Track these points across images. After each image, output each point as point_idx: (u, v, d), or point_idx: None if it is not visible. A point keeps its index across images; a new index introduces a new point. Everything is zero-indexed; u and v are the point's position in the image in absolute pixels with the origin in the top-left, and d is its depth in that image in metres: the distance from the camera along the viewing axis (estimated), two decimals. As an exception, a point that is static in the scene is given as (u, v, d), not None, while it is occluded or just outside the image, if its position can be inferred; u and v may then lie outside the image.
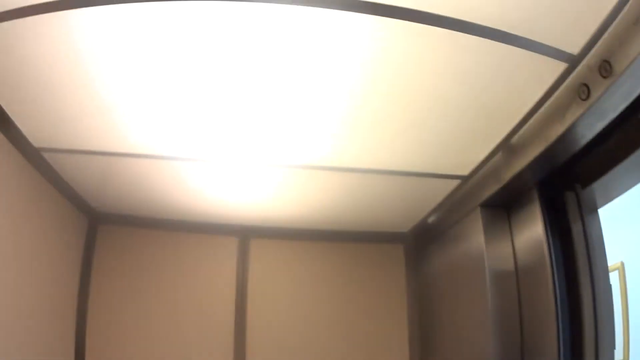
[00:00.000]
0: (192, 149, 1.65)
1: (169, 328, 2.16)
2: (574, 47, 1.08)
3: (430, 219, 2.18)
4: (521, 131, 1.42)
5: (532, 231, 1.56)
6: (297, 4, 1.00)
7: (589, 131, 1.22)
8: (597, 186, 1.37)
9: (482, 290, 1.66)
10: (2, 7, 1.03)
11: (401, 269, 2.35)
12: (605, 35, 1.03)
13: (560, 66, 1.14)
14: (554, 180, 1.47)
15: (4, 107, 1.42)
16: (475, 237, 1.78)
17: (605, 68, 1.04)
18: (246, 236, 2.33)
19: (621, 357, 2.06)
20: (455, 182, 1.84)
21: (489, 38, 1.06)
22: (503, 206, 1.73)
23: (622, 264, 2.15)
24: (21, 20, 1.06)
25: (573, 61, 1.12)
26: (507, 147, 1.53)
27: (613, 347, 1.33)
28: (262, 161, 1.71)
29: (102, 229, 2.28)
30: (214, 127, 1.51)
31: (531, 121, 1.36)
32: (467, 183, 1.82)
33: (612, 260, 1.46)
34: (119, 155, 1.69)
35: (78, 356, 2.07)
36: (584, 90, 1.12)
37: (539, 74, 1.18)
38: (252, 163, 1.72)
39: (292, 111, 1.40)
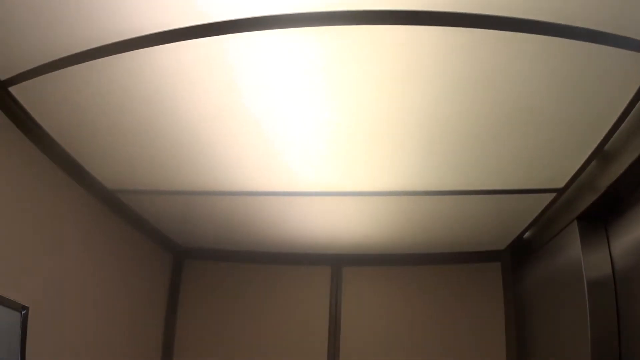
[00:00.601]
0: (283, 183, 1.73)
1: (265, 351, 2.25)
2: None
3: (526, 235, 2.15)
4: (615, 135, 1.38)
5: (631, 239, 1.51)
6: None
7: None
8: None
9: (580, 302, 1.62)
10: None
11: (498, 288, 2.31)
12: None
13: (653, 61, 1.08)
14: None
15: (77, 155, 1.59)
16: (572, 251, 1.74)
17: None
18: (339, 265, 2.40)
19: None
20: (550, 196, 1.81)
21: (576, 39, 1.03)
22: (600, 218, 1.69)
23: None
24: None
25: (666, 54, 1.06)
26: (601, 154, 1.49)
27: None
28: (356, 190, 1.77)
29: (188, 264, 2.43)
30: (309, 159, 1.57)
31: (625, 124, 1.32)
32: (562, 196, 1.79)
33: None
34: (201, 194, 1.81)
35: None
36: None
37: (631, 72, 1.13)
38: (346, 192, 1.79)
39: (385, 138, 1.44)
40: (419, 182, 1.69)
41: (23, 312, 1.42)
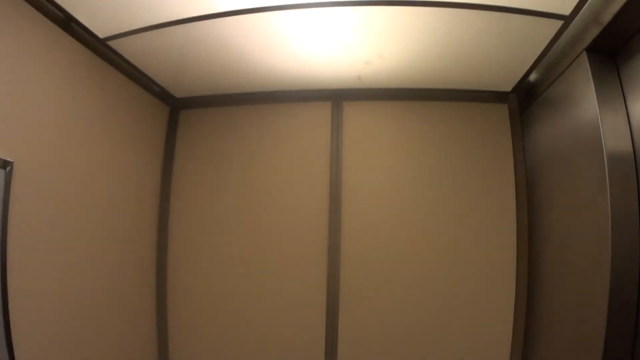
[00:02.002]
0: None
1: (263, 195, 2.22)
2: None
3: (533, 77, 1.88)
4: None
5: None
6: None
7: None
8: None
9: (596, 147, 1.46)
10: None
11: (506, 132, 2.12)
12: None
13: None
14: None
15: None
16: (584, 92, 1.52)
17: None
18: (339, 100, 2.24)
19: None
20: (557, 24, 1.56)
21: None
22: (609, 53, 1.46)
23: None
24: None
25: None
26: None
27: None
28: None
29: (185, 115, 2.34)
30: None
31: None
32: (568, 27, 1.55)
33: None
34: (192, 20, 1.65)
35: (161, 232, 2.24)
36: None
37: None
38: (346, 1, 1.55)
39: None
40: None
41: (7, 168, 1.41)
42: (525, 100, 2.08)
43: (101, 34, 1.75)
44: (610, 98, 1.43)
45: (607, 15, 1.31)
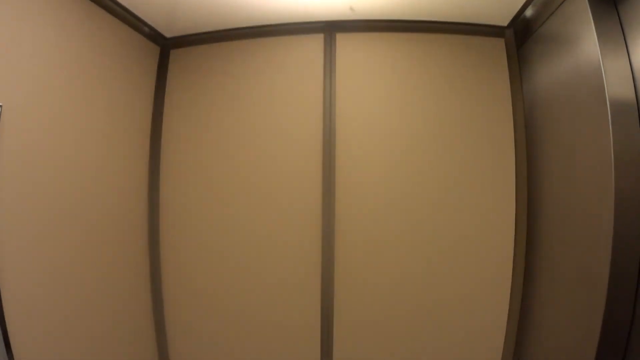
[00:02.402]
0: None
1: (255, 132, 2.21)
2: None
3: (530, 12, 1.82)
4: None
5: None
6: None
7: None
8: None
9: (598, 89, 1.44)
10: None
11: (503, 68, 2.08)
12: None
13: None
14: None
15: None
16: (583, 28, 1.48)
17: None
18: (331, 31, 2.18)
19: None
20: None
21: None
22: None
23: None
24: None
25: None
26: None
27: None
28: None
29: (175, 54, 2.29)
30: None
31: None
32: None
33: None
34: None
35: (153, 172, 2.25)
36: None
37: None
38: None
39: None
40: None
41: None
42: (522, 36, 2.02)
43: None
44: (611, 37, 1.39)
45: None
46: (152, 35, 2.22)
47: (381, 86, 2.14)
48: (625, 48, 1.38)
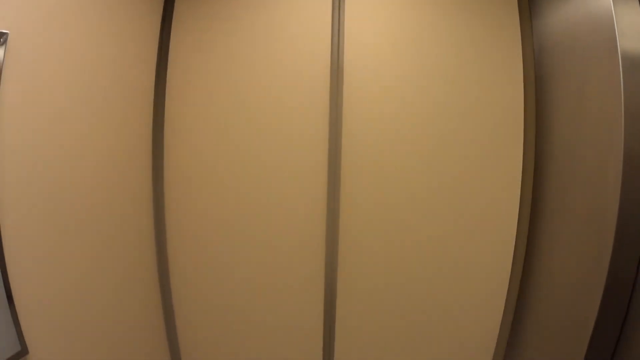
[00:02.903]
0: None
1: (262, 69, 2.11)
2: None
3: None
4: None
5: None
6: None
7: None
8: None
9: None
10: None
11: (513, 5, 1.95)
12: None
13: None
14: None
15: None
16: None
17: None
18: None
19: None
20: None
21: None
22: None
23: None
24: None
25: None
26: None
27: None
28: None
29: (179, 3, 2.19)
30: None
31: None
32: None
33: None
34: None
35: (157, 121, 2.17)
36: None
37: None
38: None
39: None
40: None
41: (1, 38, 1.32)
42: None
43: None
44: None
45: None
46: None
47: (392, 24, 2.03)
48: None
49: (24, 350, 1.38)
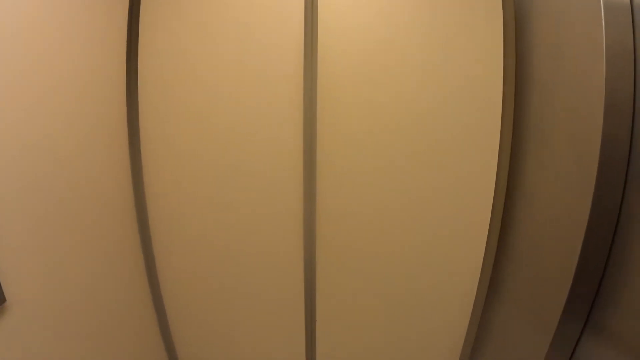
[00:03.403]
0: None
1: (234, 42, 2.03)
2: None
3: None
4: None
5: None
6: None
7: None
8: None
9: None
10: None
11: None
12: None
13: None
14: None
15: None
16: None
17: None
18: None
19: None
20: None
21: None
22: None
23: None
24: None
25: None
26: None
27: None
28: None
29: None
30: None
31: None
32: None
33: None
34: None
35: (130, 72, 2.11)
36: None
37: None
38: None
39: None
40: None
41: None
42: None
43: None
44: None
45: None
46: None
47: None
48: None
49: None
